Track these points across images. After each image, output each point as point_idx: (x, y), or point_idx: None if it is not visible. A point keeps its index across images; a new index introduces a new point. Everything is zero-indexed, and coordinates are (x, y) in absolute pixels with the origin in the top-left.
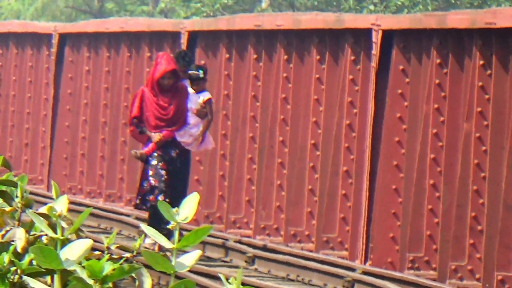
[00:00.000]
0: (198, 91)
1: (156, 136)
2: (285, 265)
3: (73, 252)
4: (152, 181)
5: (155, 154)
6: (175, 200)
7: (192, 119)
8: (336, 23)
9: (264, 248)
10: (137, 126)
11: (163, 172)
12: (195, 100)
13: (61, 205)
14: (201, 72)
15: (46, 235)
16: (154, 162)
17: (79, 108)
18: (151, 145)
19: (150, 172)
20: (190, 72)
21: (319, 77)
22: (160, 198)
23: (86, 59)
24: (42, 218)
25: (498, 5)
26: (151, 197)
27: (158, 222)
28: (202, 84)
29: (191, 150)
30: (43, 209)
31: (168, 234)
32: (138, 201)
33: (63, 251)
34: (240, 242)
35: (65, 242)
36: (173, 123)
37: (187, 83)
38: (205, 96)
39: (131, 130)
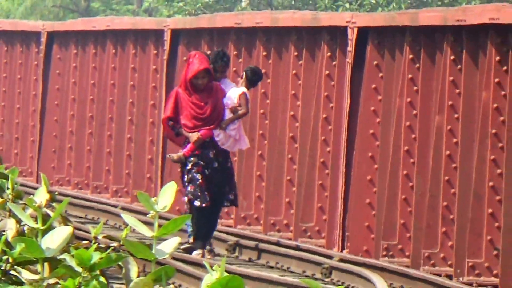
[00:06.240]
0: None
1: (194, 136)
2: (264, 253)
3: (54, 240)
4: (188, 187)
5: (191, 158)
6: (216, 202)
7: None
8: (313, 21)
9: (245, 237)
10: (173, 128)
11: (198, 176)
12: (234, 96)
13: (41, 196)
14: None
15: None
16: (189, 167)
17: (66, 103)
18: (189, 146)
19: (186, 178)
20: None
21: (297, 72)
22: (197, 203)
23: (74, 56)
24: (29, 210)
25: (468, 3)
26: (188, 205)
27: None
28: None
29: (227, 149)
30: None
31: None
32: (187, 205)
33: (45, 240)
34: (221, 231)
35: (47, 231)
36: (210, 122)
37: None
38: (240, 91)
39: (166, 132)
